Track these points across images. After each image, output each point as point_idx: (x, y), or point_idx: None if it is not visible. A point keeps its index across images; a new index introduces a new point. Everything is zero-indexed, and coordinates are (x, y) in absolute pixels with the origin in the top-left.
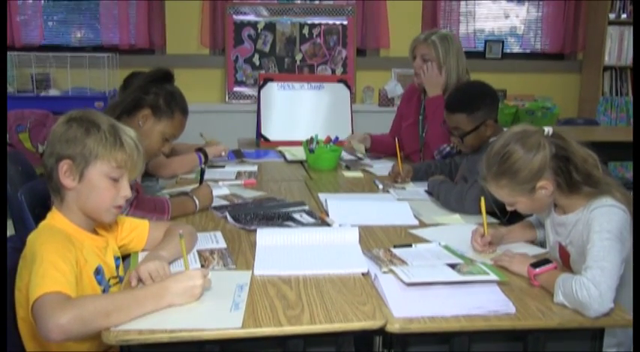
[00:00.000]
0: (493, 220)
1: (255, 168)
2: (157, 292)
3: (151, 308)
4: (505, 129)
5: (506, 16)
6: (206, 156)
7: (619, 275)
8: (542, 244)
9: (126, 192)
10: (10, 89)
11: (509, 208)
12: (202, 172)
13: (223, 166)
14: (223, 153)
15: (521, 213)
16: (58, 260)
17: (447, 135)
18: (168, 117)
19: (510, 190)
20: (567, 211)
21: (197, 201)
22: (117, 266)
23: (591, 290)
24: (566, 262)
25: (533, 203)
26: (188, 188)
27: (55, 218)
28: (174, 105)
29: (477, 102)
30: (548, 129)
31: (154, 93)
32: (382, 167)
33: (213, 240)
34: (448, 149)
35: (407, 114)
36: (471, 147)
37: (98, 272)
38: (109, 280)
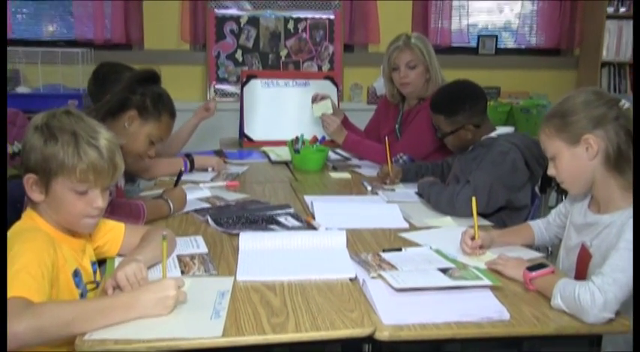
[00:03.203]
0: (485, 222)
1: (238, 169)
2: (126, 302)
3: (118, 319)
4: (497, 127)
5: (501, 11)
6: (192, 164)
7: (631, 290)
8: (539, 249)
9: (97, 203)
10: None
11: (549, 172)
12: (180, 175)
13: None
14: (210, 169)
15: (557, 180)
16: (33, 262)
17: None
18: (155, 118)
19: (556, 131)
20: (603, 210)
21: (172, 205)
22: (94, 272)
23: (596, 296)
24: (583, 265)
25: (572, 162)
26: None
27: (33, 218)
28: (162, 107)
29: (457, 107)
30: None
31: (140, 93)
32: (370, 168)
33: (193, 245)
34: (405, 157)
35: (384, 122)
36: (453, 146)
37: (76, 274)
38: (86, 284)
